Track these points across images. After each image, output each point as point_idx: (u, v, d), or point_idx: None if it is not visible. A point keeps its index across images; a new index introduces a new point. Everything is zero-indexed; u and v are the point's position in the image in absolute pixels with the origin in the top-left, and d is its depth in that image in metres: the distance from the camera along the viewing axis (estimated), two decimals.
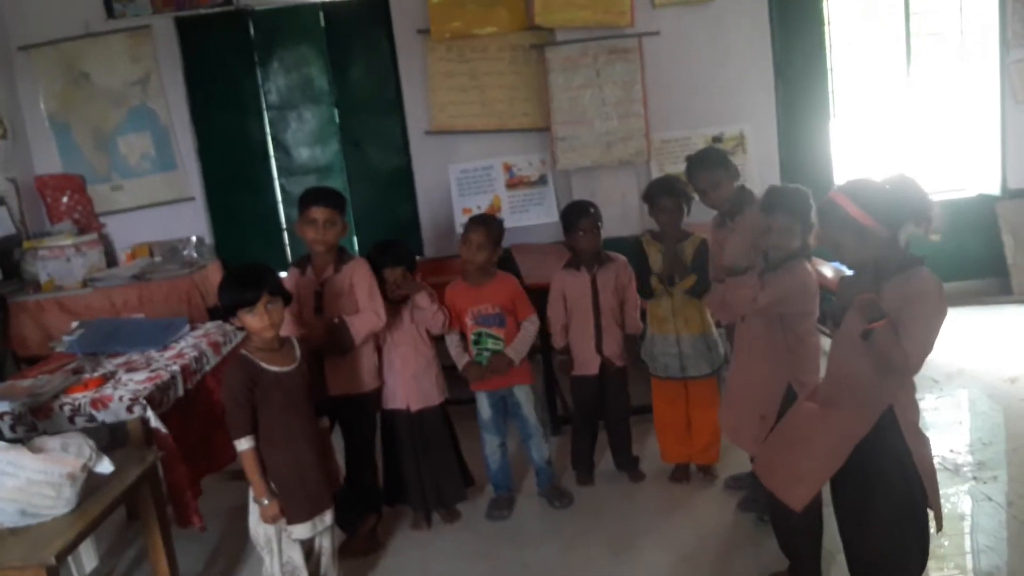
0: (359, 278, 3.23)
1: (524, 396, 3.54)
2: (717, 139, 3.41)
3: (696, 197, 3.50)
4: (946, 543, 3.02)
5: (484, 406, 3.55)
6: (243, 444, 2.58)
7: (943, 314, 2.31)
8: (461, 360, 3.48)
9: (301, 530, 2.67)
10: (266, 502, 2.60)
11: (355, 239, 5.80)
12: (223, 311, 2.64)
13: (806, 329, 2.90)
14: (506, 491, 3.63)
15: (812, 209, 2.78)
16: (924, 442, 2.42)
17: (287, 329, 3.04)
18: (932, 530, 2.44)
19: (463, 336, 3.49)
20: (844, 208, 2.30)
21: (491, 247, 3.43)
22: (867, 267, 2.34)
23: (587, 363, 3.64)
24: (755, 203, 3.26)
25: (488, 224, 3.46)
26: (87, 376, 3.13)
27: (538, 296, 3.71)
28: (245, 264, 2.73)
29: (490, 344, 3.45)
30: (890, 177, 2.36)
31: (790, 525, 2.66)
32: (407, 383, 3.39)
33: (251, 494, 2.65)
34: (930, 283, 2.28)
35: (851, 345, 2.37)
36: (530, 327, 3.51)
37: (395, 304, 3.36)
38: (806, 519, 2.59)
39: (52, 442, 2.42)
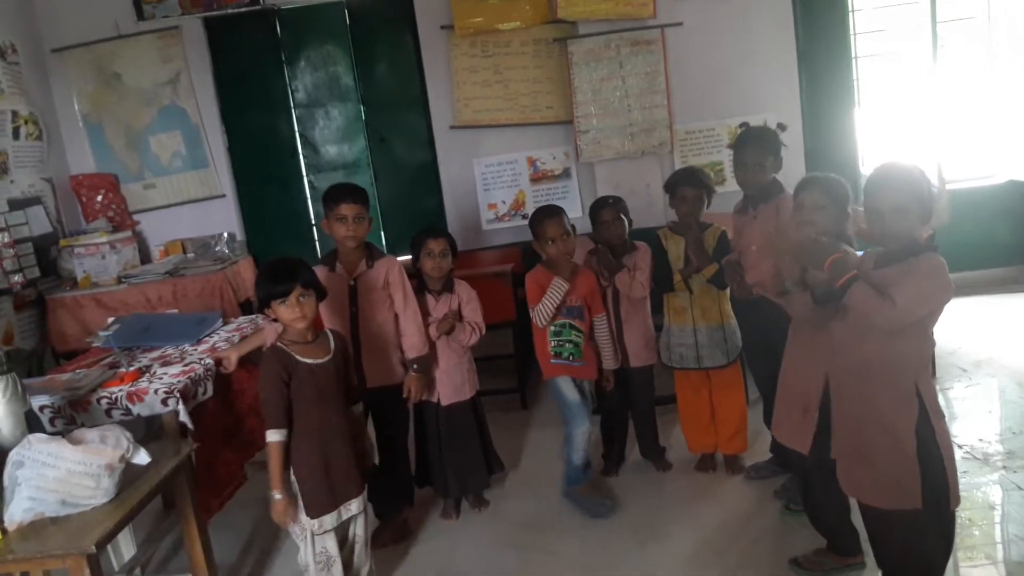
0: (394, 277, 3.30)
1: (589, 386, 3.59)
2: (781, 126, 3.40)
3: (717, 190, 3.52)
4: (976, 533, 3.01)
5: (570, 388, 3.47)
6: (272, 436, 2.63)
7: (946, 292, 2.29)
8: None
9: (328, 520, 2.71)
10: (278, 496, 2.64)
11: (382, 234, 5.86)
12: (258, 303, 2.72)
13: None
14: (585, 482, 3.56)
15: (849, 198, 2.71)
16: (942, 416, 2.41)
17: (328, 323, 3.15)
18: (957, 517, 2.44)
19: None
20: (921, 180, 2.32)
21: (571, 232, 3.43)
22: (896, 243, 2.35)
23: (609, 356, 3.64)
24: (782, 192, 3.27)
25: (559, 212, 3.45)
26: (123, 370, 3.19)
27: None
28: (281, 257, 2.78)
29: (572, 336, 3.44)
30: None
31: (828, 506, 2.71)
32: (439, 378, 3.45)
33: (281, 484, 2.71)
34: (935, 260, 2.29)
35: (865, 331, 2.37)
36: (604, 328, 3.54)
37: (435, 290, 3.42)
38: (838, 497, 2.62)
39: (91, 434, 2.47)
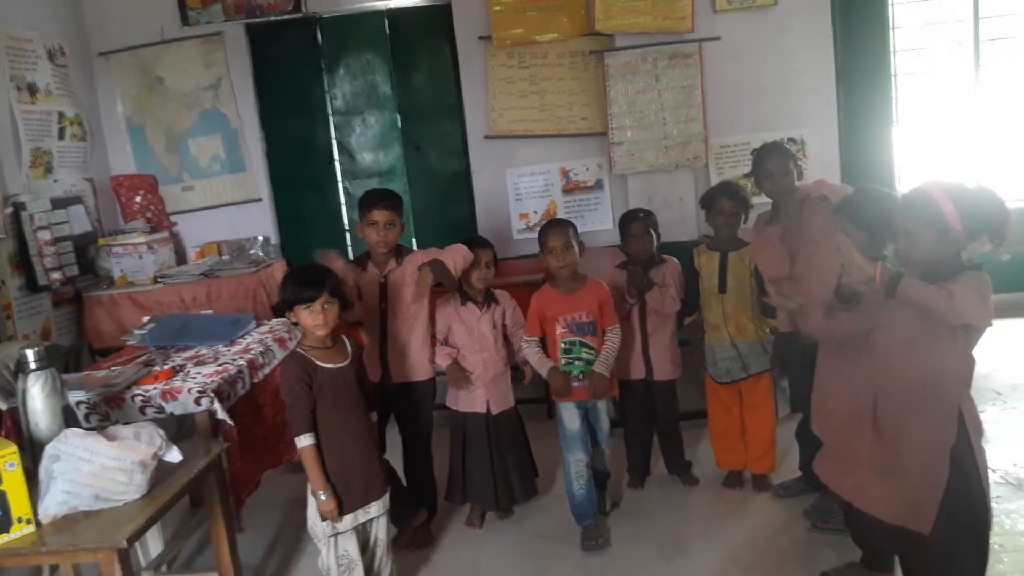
0: (424, 257, 3.31)
1: (603, 404, 3.43)
2: (792, 140, 3.44)
3: (755, 196, 3.49)
4: (1005, 559, 2.95)
5: (572, 416, 3.33)
6: (304, 440, 2.65)
7: (990, 303, 2.23)
8: (544, 366, 3.30)
9: (344, 521, 2.73)
10: (323, 496, 2.66)
11: (414, 240, 5.90)
12: (282, 305, 2.74)
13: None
14: (592, 519, 3.36)
15: (887, 218, 2.58)
16: (981, 435, 2.38)
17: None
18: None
19: (541, 341, 3.37)
20: (939, 204, 2.26)
21: (576, 246, 3.28)
22: (920, 267, 2.31)
23: (634, 367, 3.65)
24: (808, 202, 3.25)
25: (565, 224, 3.33)
26: (158, 369, 3.23)
27: None
28: (310, 264, 2.82)
29: (583, 354, 3.27)
30: (979, 186, 2.33)
31: (866, 518, 2.63)
32: (488, 387, 3.44)
33: (309, 487, 2.74)
34: (981, 276, 2.25)
35: (908, 346, 2.34)
36: (615, 339, 3.33)
37: (480, 301, 3.43)
38: None
39: (125, 431, 2.49)
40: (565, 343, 3.28)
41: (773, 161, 3.31)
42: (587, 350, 3.28)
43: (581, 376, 3.28)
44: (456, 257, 3.26)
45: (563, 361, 3.29)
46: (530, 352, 3.35)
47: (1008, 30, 5.78)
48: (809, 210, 3.17)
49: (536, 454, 3.67)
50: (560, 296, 3.32)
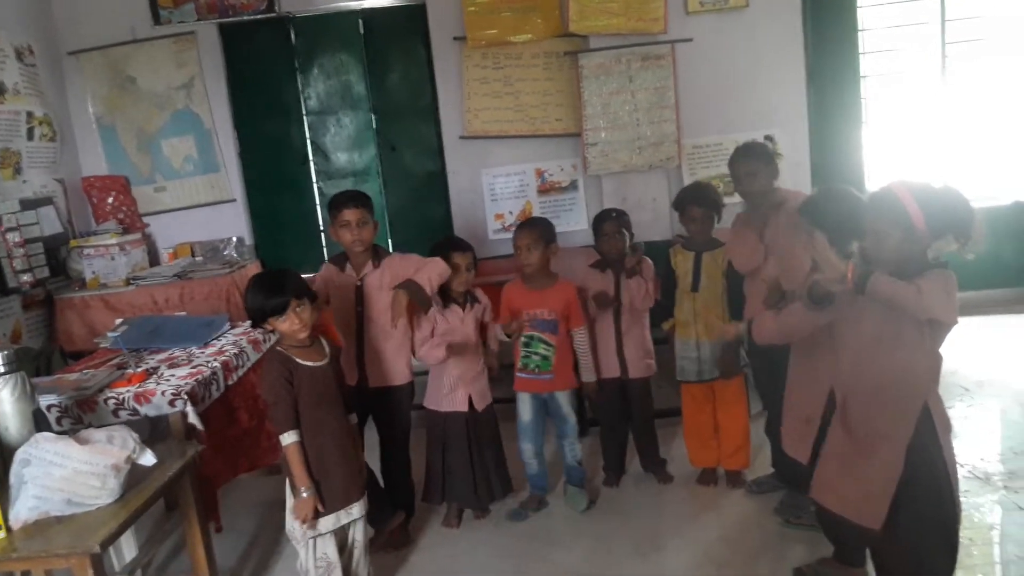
0: (401, 265, 3.29)
1: (564, 396, 3.59)
2: (769, 138, 3.47)
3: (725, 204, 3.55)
4: (975, 553, 3.01)
5: (525, 408, 3.59)
6: (289, 438, 2.64)
7: (955, 307, 2.28)
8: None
9: (325, 522, 2.73)
10: (305, 493, 2.64)
11: (389, 241, 5.89)
12: (254, 319, 2.70)
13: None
14: (540, 491, 3.67)
15: (848, 217, 2.65)
16: (949, 431, 2.42)
17: (336, 322, 3.26)
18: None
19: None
20: (903, 203, 2.29)
21: (542, 246, 3.45)
22: (888, 266, 2.34)
23: (608, 366, 3.68)
24: (786, 208, 3.28)
25: (533, 225, 3.52)
26: (131, 371, 3.21)
27: None
28: (268, 271, 2.79)
29: (540, 349, 3.50)
30: (944, 186, 2.36)
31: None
32: (469, 385, 3.45)
33: (288, 488, 2.73)
34: (947, 274, 2.29)
35: (875, 343, 2.38)
36: (583, 340, 3.56)
37: (461, 301, 3.43)
38: None
39: (98, 434, 2.48)
40: (525, 337, 3.49)
41: (741, 165, 3.36)
42: (544, 346, 3.49)
43: (537, 370, 3.50)
44: (432, 275, 3.22)
45: (521, 354, 3.51)
46: (497, 333, 3.50)
47: (974, 32, 5.88)
48: (786, 216, 3.18)
49: (509, 453, 3.67)
50: (527, 291, 3.51)
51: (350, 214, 3.25)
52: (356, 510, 2.80)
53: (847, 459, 2.49)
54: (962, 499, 2.52)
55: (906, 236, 2.30)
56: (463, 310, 3.43)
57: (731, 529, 3.36)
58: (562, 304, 3.49)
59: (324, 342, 2.82)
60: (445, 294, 3.42)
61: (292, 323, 2.65)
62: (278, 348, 2.72)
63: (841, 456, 2.52)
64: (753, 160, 3.33)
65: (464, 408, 3.45)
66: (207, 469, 3.05)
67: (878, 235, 2.35)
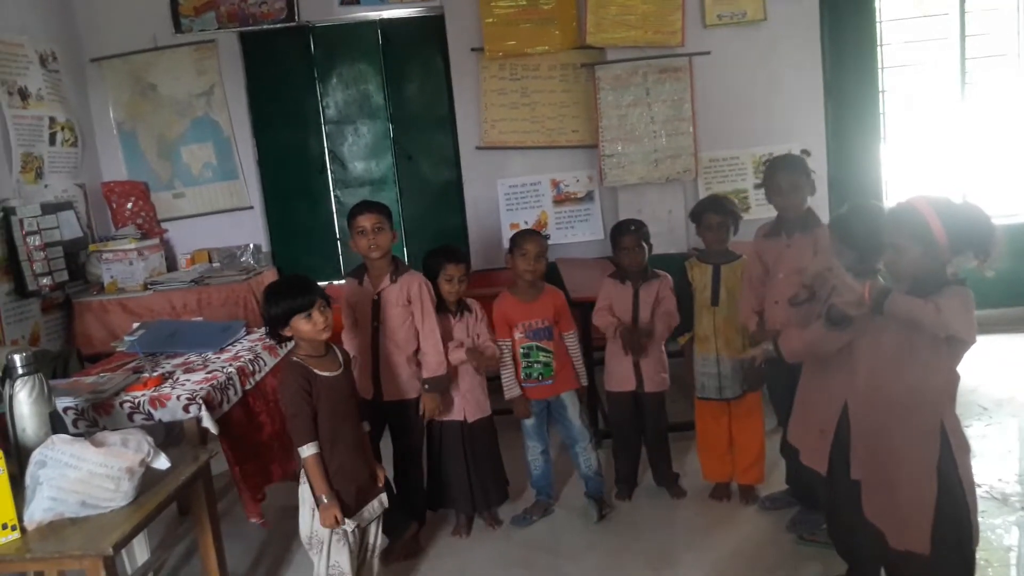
0: (415, 294, 3.31)
1: (569, 399, 3.60)
2: (805, 152, 3.43)
3: (742, 217, 3.55)
4: (990, 572, 2.97)
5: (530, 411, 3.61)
6: (308, 450, 2.62)
7: (974, 324, 2.26)
8: (512, 391, 3.54)
9: (348, 522, 2.71)
10: (326, 500, 2.62)
11: (405, 250, 5.91)
12: (274, 322, 2.67)
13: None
14: (546, 497, 3.68)
15: (871, 234, 2.63)
16: (967, 451, 2.39)
17: (352, 335, 3.29)
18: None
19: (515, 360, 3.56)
20: (926, 218, 2.28)
21: (545, 257, 3.53)
22: (907, 281, 2.33)
23: (623, 379, 3.66)
24: (819, 224, 3.27)
25: (541, 236, 3.57)
26: (147, 375, 3.23)
27: (583, 309, 3.76)
28: (287, 276, 2.79)
29: (541, 357, 3.53)
30: (965, 202, 2.35)
31: (852, 530, 2.65)
32: (463, 396, 3.46)
33: (303, 495, 2.71)
34: (966, 291, 2.27)
35: (893, 361, 2.37)
36: (574, 343, 3.62)
37: (453, 310, 3.45)
38: (869, 527, 2.56)
39: (113, 437, 2.48)
40: (524, 348, 3.54)
41: (785, 176, 3.28)
42: (544, 353, 3.53)
43: (540, 378, 3.55)
44: (437, 341, 3.31)
45: (523, 364, 3.55)
46: (505, 374, 3.54)
47: (993, 48, 5.85)
48: (812, 236, 3.19)
49: (518, 462, 3.71)
50: (519, 303, 3.54)
51: (365, 220, 3.25)
52: (368, 513, 2.79)
53: (880, 478, 2.47)
54: (980, 520, 2.49)
55: (927, 251, 2.28)
56: (453, 319, 3.45)
57: (744, 545, 3.33)
58: (553, 310, 3.55)
59: (337, 351, 2.82)
60: (439, 299, 3.44)
61: (317, 322, 2.64)
62: (295, 359, 2.70)
63: (874, 475, 2.49)
64: (797, 173, 3.28)
65: (459, 418, 3.47)
66: (235, 473, 3.08)
67: (898, 249, 2.33)
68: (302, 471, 2.71)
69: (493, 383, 3.61)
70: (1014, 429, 4.19)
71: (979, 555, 2.63)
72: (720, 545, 3.34)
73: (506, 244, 5.70)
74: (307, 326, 2.64)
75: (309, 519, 2.72)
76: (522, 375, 3.56)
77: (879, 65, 5.77)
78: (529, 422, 3.60)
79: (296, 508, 2.78)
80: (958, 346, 2.32)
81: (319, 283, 2.83)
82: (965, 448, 2.39)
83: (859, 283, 2.34)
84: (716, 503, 3.67)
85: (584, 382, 3.66)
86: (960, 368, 2.41)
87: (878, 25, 5.75)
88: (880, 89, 5.79)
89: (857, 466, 2.56)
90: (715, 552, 3.29)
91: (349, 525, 2.70)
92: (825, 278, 2.66)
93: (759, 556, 3.24)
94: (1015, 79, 5.90)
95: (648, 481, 3.86)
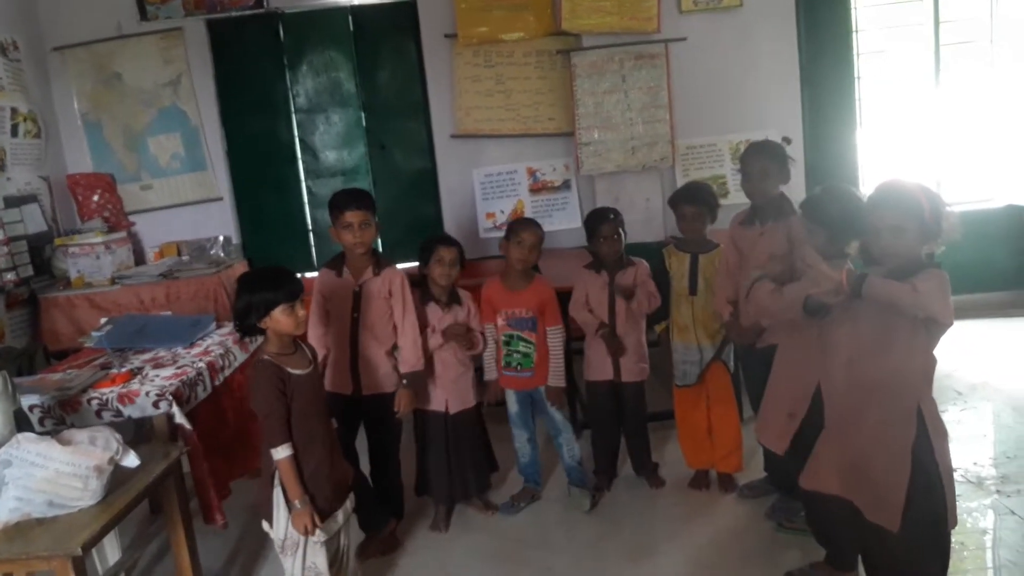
0: (396, 288, 3.28)
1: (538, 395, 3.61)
2: (786, 139, 3.44)
3: (717, 207, 3.56)
4: (966, 556, 3.00)
5: (512, 401, 3.63)
6: (282, 452, 2.53)
7: (951, 306, 2.30)
8: (490, 374, 3.60)
9: (320, 532, 2.65)
10: (299, 505, 2.55)
11: (379, 240, 5.85)
12: (249, 312, 2.55)
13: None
14: (533, 484, 3.71)
15: (849, 216, 2.68)
16: (944, 435, 2.42)
17: (332, 327, 3.24)
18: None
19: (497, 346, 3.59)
20: (918, 197, 2.33)
21: (539, 249, 3.51)
22: (890, 263, 2.36)
23: (602, 369, 3.64)
24: (793, 212, 3.26)
25: (539, 225, 3.53)
26: (115, 371, 3.17)
27: (561, 300, 3.73)
28: (258, 269, 2.72)
29: (521, 347, 3.53)
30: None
31: (828, 516, 2.68)
32: (446, 387, 3.45)
33: (276, 498, 2.61)
34: (940, 273, 2.31)
35: (870, 344, 2.38)
36: (558, 340, 3.54)
37: (443, 300, 3.42)
38: (844, 510, 2.58)
39: (80, 435, 2.45)
40: (505, 335, 3.55)
41: (753, 161, 3.29)
42: (524, 343, 3.53)
43: (519, 367, 3.55)
44: (416, 337, 3.29)
45: (504, 352, 3.55)
46: (487, 356, 3.57)
47: (967, 34, 5.88)
48: (786, 224, 3.19)
49: (502, 455, 3.71)
50: (505, 291, 3.53)
51: (353, 216, 3.17)
52: (341, 516, 2.74)
53: (855, 459, 2.49)
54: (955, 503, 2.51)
55: (920, 229, 2.33)
56: (442, 311, 3.41)
57: (723, 533, 3.34)
58: (539, 302, 3.51)
59: (305, 347, 2.75)
60: (425, 290, 3.42)
61: (299, 317, 2.57)
62: (266, 357, 2.60)
63: (849, 456, 2.52)
64: (767, 158, 3.28)
65: (441, 409, 3.47)
66: (200, 472, 3.01)
67: (898, 231, 2.34)
68: (275, 473, 2.62)
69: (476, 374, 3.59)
70: (988, 413, 4.23)
71: (956, 538, 2.64)
72: (700, 534, 3.34)
73: (482, 233, 5.74)
74: (288, 319, 2.56)
75: (284, 521, 2.61)
76: (502, 363, 3.56)
77: (855, 51, 5.79)
78: (513, 409, 3.61)
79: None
80: (936, 328, 2.34)
81: None
82: (942, 433, 2.41)
83: (835, 271, 2.36)
84: (695, 492, 3.68)
85: (555, 383, 3.55)
86: (936, 353, 2.42)
87: (853, 11, 5.76)
88: (856, 75, 5.81)
89: (834, 449, 2.58)
90: (695, 541, 3.29)
91: (320, 536, 2.61)
92: (798, 269, 2.68)
93: (737, 544, 3.25)
94: (988, 66, 5.94)
95: (626, 471, 3.85)
